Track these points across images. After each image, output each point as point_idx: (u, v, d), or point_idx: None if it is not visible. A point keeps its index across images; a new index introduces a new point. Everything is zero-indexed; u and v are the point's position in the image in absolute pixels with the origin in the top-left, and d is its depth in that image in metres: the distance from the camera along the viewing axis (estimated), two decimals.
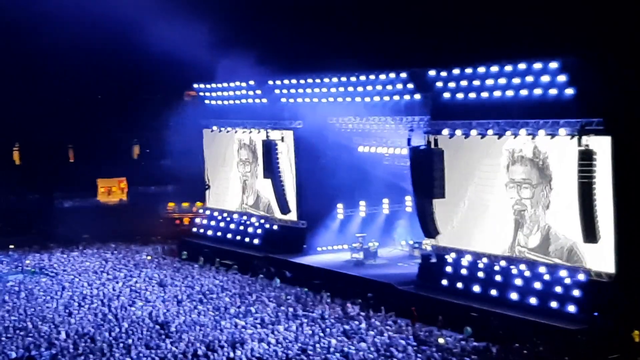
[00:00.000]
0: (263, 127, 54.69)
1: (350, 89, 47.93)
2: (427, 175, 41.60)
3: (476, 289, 40.23)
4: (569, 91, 35.78)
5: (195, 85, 61.52)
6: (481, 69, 39.64)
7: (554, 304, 36.46)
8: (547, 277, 37.33)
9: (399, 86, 44.99)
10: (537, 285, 37.49)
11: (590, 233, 34.57)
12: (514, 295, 38.32)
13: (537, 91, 37.00)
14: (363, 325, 37.92)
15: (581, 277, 35.89)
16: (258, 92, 55.30)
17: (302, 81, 51.02)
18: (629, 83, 34.58)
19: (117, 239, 64.50)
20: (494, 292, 39.31)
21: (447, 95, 41.49)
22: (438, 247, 43.37)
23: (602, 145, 34.58)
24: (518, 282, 38.38)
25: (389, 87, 45.60)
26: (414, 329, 37.65)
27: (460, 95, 40.76)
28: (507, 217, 39.76)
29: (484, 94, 39.50)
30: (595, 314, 34.85)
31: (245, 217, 58.28)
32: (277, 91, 53.73)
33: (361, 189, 53.16)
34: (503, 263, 39.67)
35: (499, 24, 48.39)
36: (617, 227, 34.64)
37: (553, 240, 37.62)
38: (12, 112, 74.78)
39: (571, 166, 35.36)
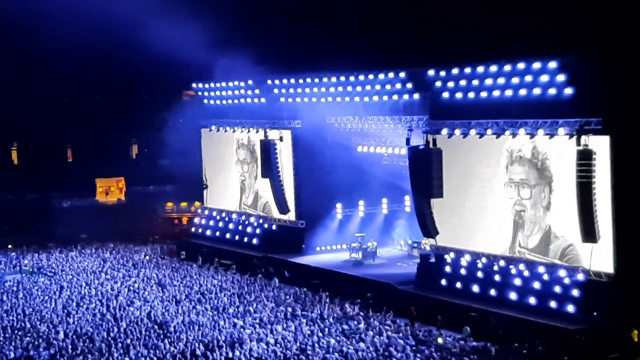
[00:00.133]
0: (262, 126, 54.63)
1: (349, 88, 47.87)
2: (425, 175, 41.58)
3: (475, 288, 40.19)
4: (568, 91, 35.74)
5: (194, 85, 61.43)
6: (480, 69, 39.58)
7: (553, 304, 36.43)
8: (546, 277, 37.29)
9: (398, 86, 44.95)
10: (536, 285, 37.45)
11: (589, 233, 34.54)
12: (513, 295, 38.28)
13: (536, 91, 36.95)
14: (362, 325, 37.88)
15: (580, 277, 35.85)
16: (257, 91, 55.24)
17: (300, 81, 50.98)
18: (628, 83, 34.57)
19: (115, 239, 64.43)
20: (493, 292, 39.27)
21: (446, 94, 41.44)
22: (437, 247, 43.32)
23: (601, 145, 34.55)
24: (517, 282, 38.35)
25: (388, 87, 45.56)
26: (413, 328, 37.61)
27: (459, 95, 40.72)
28: (506, 217, 39.73)
29: (483, 94, 39.46)
30: (594, 313, 34.84)
31: (244, 217, 58.23)
32: (275, 91, 53.67)
33: (360, 188, 53.13)
34: (502, 263, 39.63)
35: (498, 23, 48.47)
36: (616, 227, 34.60)
37: (552, 240, 37.58)
38: (10, 111, 74.90)
39: (570, 166, 35.33)
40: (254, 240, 56.13)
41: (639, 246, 34.63)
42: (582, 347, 33.24)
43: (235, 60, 54.07)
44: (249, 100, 56.52)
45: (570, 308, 35.70)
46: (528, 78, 37.20)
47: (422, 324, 38.37)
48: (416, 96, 44.36)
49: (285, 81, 52.38)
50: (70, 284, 48.99)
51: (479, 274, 40.36)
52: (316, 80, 49.63)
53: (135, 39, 57.16)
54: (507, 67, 38.31)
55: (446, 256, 42.52)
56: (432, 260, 43.71)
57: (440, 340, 35.41)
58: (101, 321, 39.81)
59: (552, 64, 36.23)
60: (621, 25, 39.36)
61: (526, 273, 38.15)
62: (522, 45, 42.00)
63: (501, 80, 38.49)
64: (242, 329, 37.52)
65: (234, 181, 59.46)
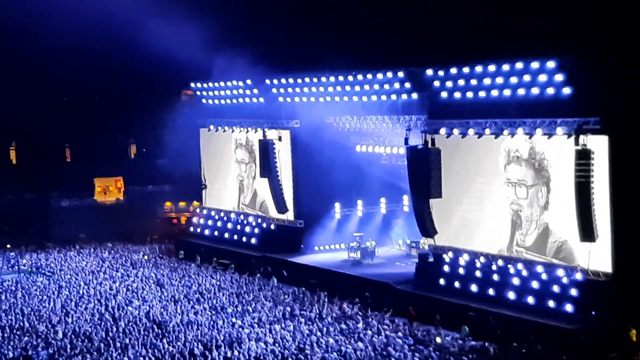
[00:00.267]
0: (260, 126, 54.64)
1: (348, 88, 47.88)
2: (424, 174, 41.59)
3: (473, 288, 40.22)
4: (566, 90, 35.76)
5: (192, 85, 61.41)
6: (478, 68, 39.60)
7: (551, 303, 36.45)
8: (544, 276, 37.32)
9: (397, 85, 44.95)
10: (535, 284, 37.49)
11: (587, 232, 34.58)
12: (511, 295, 38.31)
13: (535, 90, 36.98)
14: (360, 325, 37.89)
15: (578, 276, 35.88)
16: (255, 91, 55.24)
17: (299, 80, 51.00)
18: (626, 82, 34.60)
19: (114, 239, 64.41)
20: (491, 291, 39.30)
21: (444, 94, 41.45)
22: (435, 247, 43.34)
23: (599, 145, 34.57)
24: (515, 281, 38.39)
25: (387, 86, 45.58)
26: (411, 328, 37.61)
27: (457, 95, 40.73)
28: (504, 216, 39.75)
29: (482, 93, 39.46)
30: (593, 313, 34.86)
31: (242, 217, 58.24)
32: (274, 90, 53.68)
33: (358, 188, 53.19)
34: (500, 262, 39.66)
35: (496, 23, 48.50)
36: (615, 227, 34.65)
37: (550, 240, 37.62)
38: (9, 111, 74.84)
39: (568, 166, 35.36)
40: (253, 240, 56.15)
41: (637, 245, 34.67)
42: (581, 346, 33.24)
43: (234, 60, 54.03)
44: (247, 100, 56.52)
45: (569, 307, 35.73)
46: (526, 78, 37.22)
47: (421, 323, 38.37)
48: (414, 96, 44.38)
49: (283, 81, 52.40)
50: (68, 283, 49.00)
51: (478, 274, 40.40)
52: (315, 80, 49.65)
53: (134, 39, 57.17)
54: (506, 67, 38.32)
55: (444, 256, 42.55)
56: (431, 259, 43.74)
57: (438, 339, 35.40)
58: (100, 321, 39.82)
59: (551, 64, 36.25)
60: (619, 24, 39.41)
61: (524, 272, 38.19)
62: (520, 44, 42.02)
63: (499, 80, 38.51)
64: (240, 329, 37.52)
65: (232, 181, 59.47)
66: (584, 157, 34.40)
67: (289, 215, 53.61)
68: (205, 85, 59.83)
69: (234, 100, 57.97)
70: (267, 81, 53.72)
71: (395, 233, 53.40)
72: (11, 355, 34.84)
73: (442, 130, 41.93)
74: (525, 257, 38.68)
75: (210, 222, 61.23)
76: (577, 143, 34.74)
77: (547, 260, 37.60)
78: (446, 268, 42.19)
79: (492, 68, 38.98)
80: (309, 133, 51.58)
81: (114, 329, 37.92)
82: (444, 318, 38.12)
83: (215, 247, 57.20)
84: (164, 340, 35.84)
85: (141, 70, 73.27)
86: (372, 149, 51.28)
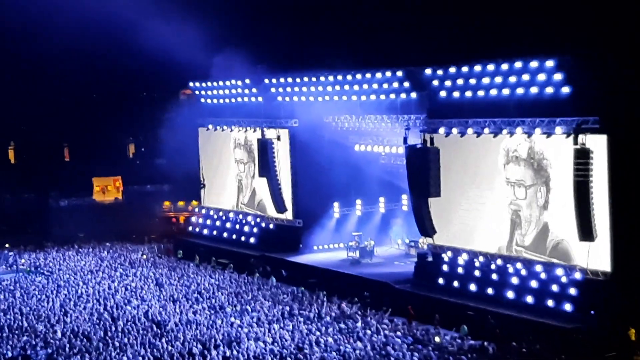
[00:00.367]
0: (259, 125, 54.63)
1: (347, 87, 47.90)
2: (423, 173, 41.56)
3: (472, 287, 40.23)
4: (565, 90, 35.77)
5: (191, 84, 61.41)
6: (477, 68, 39.61)
7: (550, 303, 36.47)
8: (543, 275, 37.34)
9: (395, 85, 44.96)
10: (534, 283, 37.50)
11: (586, 231, 34.58)
12: (510, 294, 38.32)
13: (534, 90, 36.99)
14: (359, 324, 37.87)
15: (577, 275, 35.90)
16: (254, 90, 55.25)
17: (298, 80, 51.00)
18: (625, 82, 34.60)
19: (112, 238, 64.42)
20: (490, 290, 39.30)
21: (443, 93, 41.47)
22: (434, 246, 43.34)
23: (598, 144, 34.57)
24: (514, 280, 38.39)
25: (385, 86, 45.60)
26: (410, 327, 37.60)
27: (456, 94, 40.75)
28: (503, 215, 39.75)
29: (480, 93, 39.48)
30: (592, 312, 34.86)
31: (241, 216, 58.23)
32: (273, 90, 53.69)
33: (357, 187, 53.18)
34: (499, 262, 39.67)
35: (495, 22, 48.45)
36: (613, 226, 34.65)
37: (549, 239, 37.62)
38: (7, 111, 74.78)
39: (567, 165, 35.36)
40: (252, 240, 56.14)
41: (636, 245, 34.67)
42: (580, 345, 33.25)
43: (233, 59, 54.06)
44: (246, 99, 56.53)
45: (568, 307, 35.74)
46: (525, 77, 37.23)
47: (420, 322, 38.33)
48: (413, 95, 44.40)
49: (282, 80, 52.40)
50: (67, 283, 48.98)
51: (477, 273, 40.41)
52: (313, 79, 49.67)
53: (133, 39, 57.15)
54: (505, 66, 38.33)
55: (443, 255, 42.55)
56: (430, 259, 43.75)
57: (437, 339, 35.39)
58: (98, 320, 39.80)
59: (550, 63, 36.26)
60: (619, 24, 39.36)
61: (523, 272, 38.20)
62: (519, 44, 41.99)
63: (498, 79, 38.52)
64: (239, 328, 37.50)
65: (231, 180, 59.46)
66: (583, 156, 34.39)
67: (288, 215, 53.60)
68: (204, 84, 59.83)
69: (233, 100, 57.97)
70: (266, 80, 53.73)
71: (394, 232, 53.41)
72: (10, 354, 34.80)
73: (441, 130, 41.94)
74: (524, 257, 38.68)
75: (209, 222, 61.22)
76: (576, 142, 34.74)
77: (546, 259, 37.61)
78: (445, 267, 42.19)
79: (491, 67, 38.99)
80: (307, 132, 51.58)
81: (113, 329, 37.89)
82: (443, 317, 38.12)
83: (214, 247, 57.20)
84: (163, 340, 35.82)
85: (140, 69, 73.30)
86: (371, 149, 51.27)
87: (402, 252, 51.55)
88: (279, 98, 53.51)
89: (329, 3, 61.22)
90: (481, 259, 40.58)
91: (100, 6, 61.45)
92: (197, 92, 61.45)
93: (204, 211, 62.58)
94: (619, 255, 34.72)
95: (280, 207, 53.10)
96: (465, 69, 40.23)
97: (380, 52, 53.83)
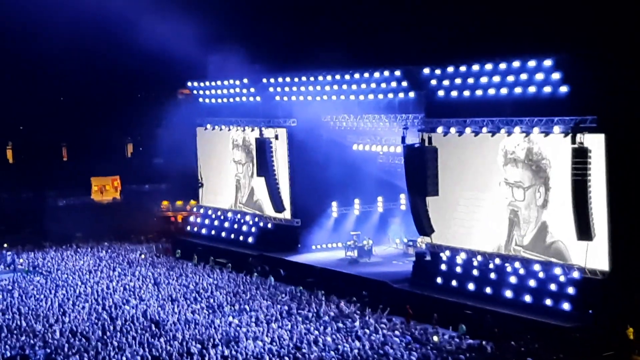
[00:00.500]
0: (257, 125, 54.65)
1: (345, 87, 47.95)
2: (421, 173, 41.59)
3: (471, 286, 40.27)
4: (563, 89, 35.82)
5: (189, 84, 61.39)
6: (475, 67, 39.66)
7: (548, 302, 36.51)
8: (541, 274, 37.37)
9: (393, 84, 45.01)
10: (532, 283, 37.55)
11: (584, 231, 34.61)
12: (508, 293, 38.36)
13: (531, 89, 37.04)
14: (357, 323, 37.86)
15: (575, 274, 35.94)
16: (252, 90, 55.29)
17: (296, 79, 51.04)
18: (623, 81, 34.63)
19: (111, 238, 64.39)
20: (488, 290, 39.34)
21: (441, 93, 41.52)
22: (432, 245, 43.37)
23: (596, 143, 34.61)
24: (512, 279, 38.43)
25: (383, 85, 45.64)
26: (408, 326, 37.61)
27: (454, 93, 40.79)
28: (501, 215, 39.78)
29: (478, 92, 39.54)
30: (590, 311, 34.89)
31: (239, 216, 58.24)
32: (271, 89, 53.71)
33: (355, 187, 53.19)
34: (497, 261, 39.70)
35: (493, 22, 48.43)
36: (612, 225, 34.69)
37: (548, 239, 37.65)
38: (5, 110, 74.71)
39: (565, 164, 35.38)
40: (250, 239, 56.16)
41: (634, 244, 34.72)
42: (578, 344, 33.28)
43: (231, 58, 54.08)
44: (244, 98, 56.54)
45: (566, 306, 35.79)
46: (523, 76, 37.29)
47: (418, 322, 38.35)
48: (411, 94, 44.46)
49: (280, 80, 52.43)
50: (65, 282, 48.93)
51: (475, 272, 40.44)
52: (311, 78, 49.70)
53: (130, 38, 57.14)
54: (502, 66, 38.38)
55: (442, 254, 42.58)
56: (428, 258, 43.76)
57: (435, 338, 35.41)
58: (97, 320, 39.77)
59: (547, 62, 36.30)
60: (617, 23, 39.37)
61: (521, 271, 38.23)
62: (517, 43, 41.97)
63: (496, 79, 38.56)
64: (237, 328, 37.49)
65: (229, 180, 59.46)
66: (580, 155, 34.43)
67: (286, 214, 53.62)
68: (202, 84, 59.84)
69: (231, 99, 57.99)
70: (264, 80, 53.75)
71: (392, 232, 53.46)
72: (8, 354, 34.76)
73: (439, 129, 41.96)
74: (522, 256, 38.70)
75: (207, 221, 61.23)
76: (574, 141, 34.77)
77: (545, 258, 37.63)
78: (443, 267, 42.22)
79: (489, 67, 39.04)
80: (305, 132, 51.59)
81: (111, 328, 37.88)
82: (441, 316, 38.15)
83: (212, 246, 57.23)
84: (161, 339, 35.79)
85: (138, 69, 73.25)
86: (369, 148, 51.30)
87: (400, 252, 51.60)
88: (277, 97, 53.53)
89: (327, 2, 61.21)
90: (479, 258, 40.60)
91: (98, 6, 61.45)
92: (195, 91, 61.45)
93: (202, 211, 62.59)
94: (617, 254, 34.77)
95: (278, 206, 53.10)
96: (463, 68, 40.27)
97: (378, 52, 53.82)
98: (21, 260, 56.97)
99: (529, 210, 38.41)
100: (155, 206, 73.40)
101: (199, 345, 34.64)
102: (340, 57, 50.96)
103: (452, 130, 41.44)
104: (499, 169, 39.71)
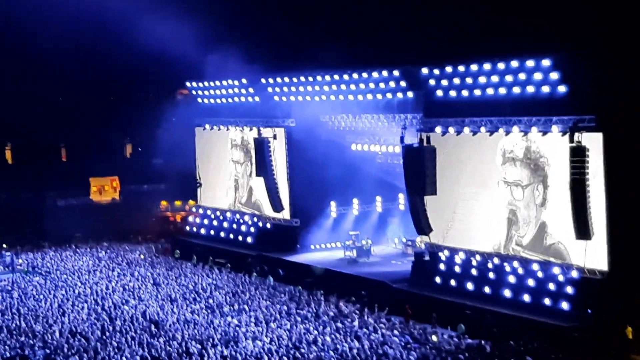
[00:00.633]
0: (255, 125, 54.66)
1: (343, 86, 47.94)
2: (419, 172, 41.61)
3: (469, 286, 40.29)
4: (562, 88, 35.85)
5: (188, 84, 61.39)
6: (474, 67, 39.68)
7: (547, 301, 36.53)
8: (540, 274, 37.39)
9: (392, 84, 45.01)
10: (531, 282, 37.57)
11: (583, 230, 34.63)
12: (507, 293, 38.37)
13: (530, 89, 37.05)
14: (356, 323, 37.90)
15: (574, 274, 35.96)
16: (250, 90, 55.28)
17: (294, 79, 51.02)
18: (621, 80, 34.67)
19: (110, 238, 64.46)
20: (487, 289, 39.37)
21: (439, 92, 41.53)
22: (431, 245, 43.40)
23: (594, 142, 34.64)
24: (511, 279, 38.44)
25: (382, 85, 45.63)
26: (407, 326, 37.65)
27: (452, 93, 40.80)
28: (500, 214, 39.80)
29: (477, 92, 39.56)
30: (589, 311, 34.91)
31: (238, 216, 58.24)
32: (269, 89, 53.71)
33: (354, 186, 53.19)
34: (496, 260, 39.71)
35: (492, 21, 48.49)
36: (610, 224, 34.71)
37: (547, 238, 37.67)
38: (4, 111, 74.64)
39: (564, 163, 35.40)
40: (249, 239, 56.15)
41: (633, 243, 34.74)
42: (577, 344, 33.30)
43: (229, 59, 54.06)
44: (242, 99, 56.55)
45: (565, 305, 35.80)
46: (521, 76, 37.31)
47: (417, 321, 38.40)
48: (410, 94, 44.45)
49: (279, 80, 52.41)
50: (65, 283, 48.95)
51: (473, 272, 40.46)
52: (310, 78, 49.69)
53: (129, 38, 57.14)
54: (501, 65, 38.40)
55: (440, 254, 42.60)
56: (427, 258, 43.78)
57: (434, 338, 35.45)
58: (96, 320, 39.81)
59: (546, 62, 36.32)
60: (615, 23, 39.44)
61: (520, 270, 38.25)
62: (515, 43, 42.03)
63: (495, 78, 38.58)
64: (237, 327, 37.53)
65: (228, 180, 59.46)
66: (579, 154, 34.45)
67: (285, 214, 53.62)
68: (200, 84, 59.83)
69: (230, 99, 57.99)
70: (263, 80, 53.74)
71: (391, 231, 53.47)
72: (8, 355, 34.79)
73: (438, 129, 41.98)
74: (521, 256, 38.72)
75: (206, 221, 61.22)
76: (572, 140, 34.78)
77: (543, 258, 37.65)
78: (442, 266, 42.24)
79: (487, 66, 39.06)
80: (304, 132, 51.58)
81: (111, 328, 37.92)
82: (440, 316, 38.17)
83: (211, 246, 57.21)
84: (161, 339, 35.83)
85: (137, 69, 73.22)
86: (368, 148, 51.31)
87: (399, 251, 51.62)
88: (276, 97, 53.53)
89: (325, 2, 61.25)
90: (478, 257, 40.62)
91: (98, 6, 61.45)
92: (193, 91, 61.44)
93: (201, 211, 62.58)
94: (616, 253, 34.79)
95: (277, 206, 53.11)
96: (461, 68, 40.28)
97: (376, 52, 53.86)
98: (20, 261, 56.98)
99: (528, 209, 38.43)
100: (154, 206, 73.39)
101: (198, 345, 34.68)
102: (339, 57, 50.94)
103: (451, 129, 41.46)
104: (497, 168, 39.75)
